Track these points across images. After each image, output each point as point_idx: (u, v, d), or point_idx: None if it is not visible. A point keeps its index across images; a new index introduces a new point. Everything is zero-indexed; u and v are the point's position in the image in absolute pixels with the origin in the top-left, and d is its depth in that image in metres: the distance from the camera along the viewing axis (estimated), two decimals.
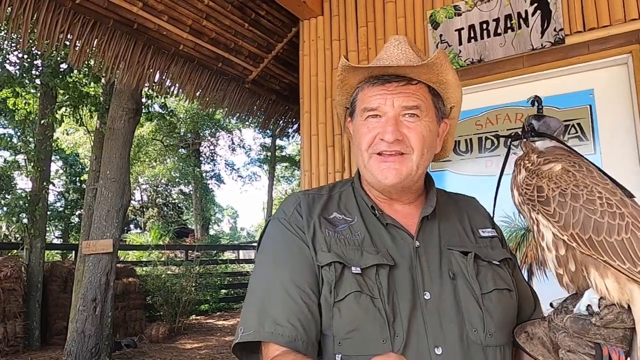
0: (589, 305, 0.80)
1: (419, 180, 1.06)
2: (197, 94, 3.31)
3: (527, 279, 2.33)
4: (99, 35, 2.65)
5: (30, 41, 2.49)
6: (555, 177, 0.86)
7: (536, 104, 1.07)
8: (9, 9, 2.34)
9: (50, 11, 2.44)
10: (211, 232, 21.78)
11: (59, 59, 7.18)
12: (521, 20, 2.36)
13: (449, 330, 0.91)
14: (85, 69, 7.62)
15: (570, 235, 0.81)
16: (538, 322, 0.92)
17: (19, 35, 2.44)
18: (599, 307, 0.79)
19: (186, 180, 19.72)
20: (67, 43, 2.62)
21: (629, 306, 0.77)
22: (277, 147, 19.46)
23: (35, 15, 2.42)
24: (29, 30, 2.43)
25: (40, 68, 7.78)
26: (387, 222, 1.02)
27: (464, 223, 1.09)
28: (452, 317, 0.92)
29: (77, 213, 15.40)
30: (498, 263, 1.02)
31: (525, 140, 1.00)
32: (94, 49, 2.70)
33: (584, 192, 0.82)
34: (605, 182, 0.84)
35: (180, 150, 18.84)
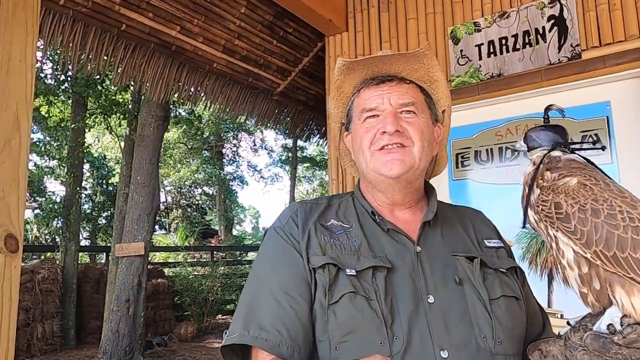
0: (610, 324, 0.77)
1: (420, 177, 1.06)
2: (228, 106, 3.49)
3: (547, 284, 2.45)
4: (140, 57, 2.85)
5: (78, 64, 2.70)
6: (572, 192, 0.84)
7: (545, 113, 1.05)
8: (61, 36, 2.54)
9: (96, 37, 2.64)
10: (234, 232, 22.11)
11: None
12: (539, 36, 2.47)
13: (455, 335, 0.89)
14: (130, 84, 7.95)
15: (594, 253, 0.78)
16: (553, 339, 0.88)
17: (70, 59, 2.65)
18: (622, 325, 0.76)
19: (210, 182, 20.08)
20: (110, 67, 2.83)
21: None
22: (298, 148, 19.66)
23: (83, 41, 2.63)
24: (78, 55, 2.64)
25: (71, 77, 8.09)
26: (389, 228, 1.02)
27: (468, 232, 1.09)
28: (458, 322, 0.90)
29: (104, 215, 15.76)
30: (505, 271, 1.01)
31: (560, 153, 0.96)
32: (135, 69, 2.89)
33: (604, 207, 0.79)
34: (624, 196, 0.81)
35: (203, 152, 19.19)
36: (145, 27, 2.70)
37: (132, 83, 2.98)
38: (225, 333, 0.92)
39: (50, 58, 7.67)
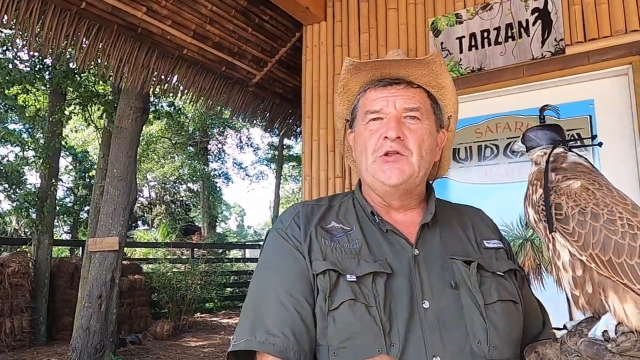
0: (605, 330, 0.77)
1: (420, 184, 1.05)
2: (201, 97, 3.34)
3: None
4: (104, 39, 2.68)
5: (36, 44, 2.53)
6: (575, 194, 0.83)
7: (540, 113, 1.06)
8: (17, 12, 2.37)
9: (55, 16, 2.47)
10: (218, 230, 21.88)
11: (68, 57, 7.30)
12: (522, 30, 2.36)
13: (449, 341, 0.88)
14: (94, 69, 7.73)
15: (590, 256, 0.78)
16: (550, 342, 0.87)
17: (26, 39, 2.49)
18: (616, 333, 0.76)
19: (194, 178, 19.83)
20: (71, 49, 2.66)
21: None
22: (284, 146, 19.50)
23: (41, 20, 2.46)
24: (35, 34, 2.47)
25: (51, 67, 7.86)
26: (387, 229, 1.01)
27: (468, 233, 1.07)
28: (453, 328, 0.90)
29: (85, 209, 15.53)
30: (502, 274, 0.99)
31: (562, 150, 0.96)
32: (98, 52, 2.73)
33: (604, 212, 0.79)
34: (626, 203, 0.81)
35: (188, 148, 18.94)
36: (107, 5, 2.54)
37: (109, 77, 2.79)
38: (233, 338, 0.91)
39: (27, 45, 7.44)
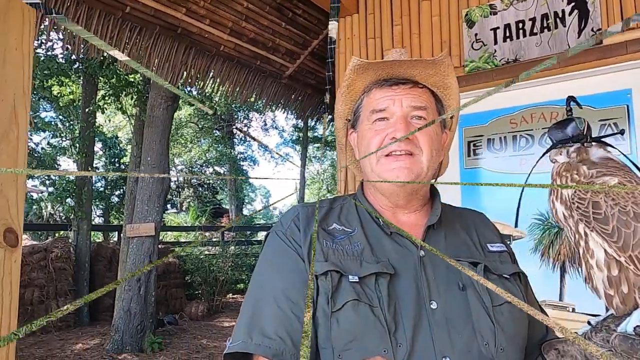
0: (637, 325, 0.76)
1: (427, 184, 1.05)
2: (236, 89, 3.43)
3: (560, 277, 2.39)
4: (145, 39, 2.79)
5: (83, 48, 2.65)
6: (613, 192, 0.81)
7: (568, 104, 1.05)
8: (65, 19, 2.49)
9: (101, 19, 2.58)
10: (245, 211, 22.19)
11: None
12: (558, 20, 2.36)
13: (457, 341, 0.87)
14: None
15: (629, 257, 0.76)
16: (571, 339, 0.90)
17: (73, 43, 2.60)
18: None
19: (221, 162, 20.11)
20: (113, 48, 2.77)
21: None
22: (308, 128, 19.53)
23: (87, 25, 2.57)
24: (83, 40, 2.59)
25: (84, 58, 8.05)
26: (392, 231, 0.99)
27: (472, 236, 1.06)
28: (461, 328, 0.88)
29: (116, 193, 15.93)
30: (508, 277, 0.98)
31: (579, 145, 0.93)
32: (141, 52, 2.84)
33: None
34: None
35: (214, 132, 19.17)
36: (149, 9, 2.64)
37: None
38: (229, 340, 0.91)
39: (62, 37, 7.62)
